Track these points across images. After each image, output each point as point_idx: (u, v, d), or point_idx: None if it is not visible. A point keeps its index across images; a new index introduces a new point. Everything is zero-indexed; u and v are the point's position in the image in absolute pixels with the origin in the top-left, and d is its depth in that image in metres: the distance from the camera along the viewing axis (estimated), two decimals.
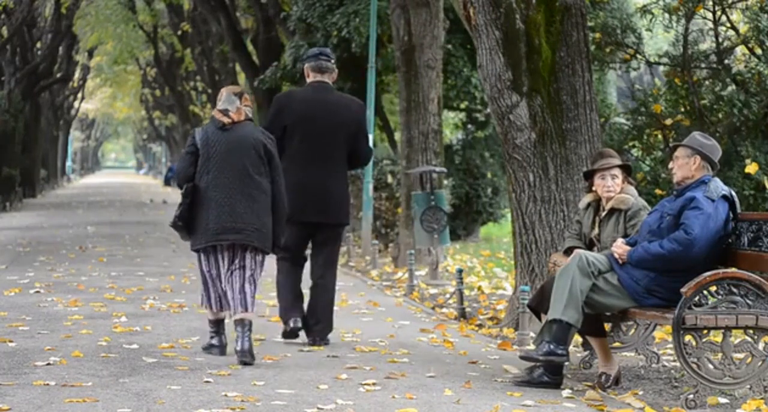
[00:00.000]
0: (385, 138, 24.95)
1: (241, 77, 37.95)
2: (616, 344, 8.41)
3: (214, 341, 8.56)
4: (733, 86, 11.59)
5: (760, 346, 7.08)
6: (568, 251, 8.11)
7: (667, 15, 11.71)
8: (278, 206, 8.52)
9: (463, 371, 7.99)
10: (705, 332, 7.04)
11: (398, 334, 9.84)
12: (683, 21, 11.65)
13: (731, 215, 7.46)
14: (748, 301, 7.02)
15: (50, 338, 9.08)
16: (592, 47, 11.64)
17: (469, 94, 22.56)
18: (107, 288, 13.06)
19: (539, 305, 7.83)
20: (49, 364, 7.84)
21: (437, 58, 16.39)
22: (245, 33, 32.00)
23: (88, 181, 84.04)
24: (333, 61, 9.32)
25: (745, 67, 11.77)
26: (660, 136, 11.77)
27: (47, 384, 7.10)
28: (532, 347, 8.42)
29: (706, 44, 12.16)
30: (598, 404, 6.97)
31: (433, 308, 12.06)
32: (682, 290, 7.01)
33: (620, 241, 7.69)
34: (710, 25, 11.82)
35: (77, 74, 57.11)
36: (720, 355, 7.01)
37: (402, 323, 10.64)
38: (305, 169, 9.09)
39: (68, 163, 79.25)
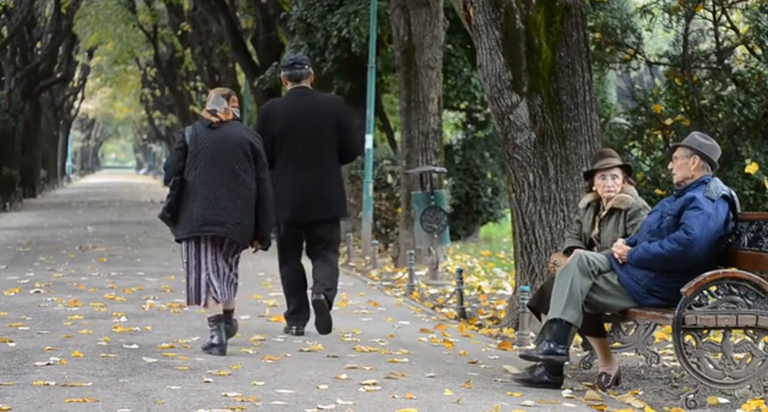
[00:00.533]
0: (385, 138, 24.95)
1: (241, 77, 37.96)
2: (616, 344, 8.41)
3: (215, 340, 8.65)
4: (733, 86, 11.59)
5: (760, 346, 7.08)
6: (568, 251, 8.11)
7: (667, 15, 11.70)
8: (264, 202, 8.88)
9: (463, 371, 7.99)
10: (705, 332, 7.04)
11: (398, 334, 9.84)
12: (683, 21, 11.65)
13: (731, 215, 7.46)
14: (748, 301, 7.02)
15: (50, 338, 9.08)
16: (592, 47, 11.64)
17: (469, 94, 22.56)
18: (107, 288, 13.06)
19: (539, 305, 7.84)
20: (49, 364, 7.84)
21: (437, 58, 16.39)
22: (245, 33, 31.99)
23: (88, 181, 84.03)
24: (307, 66, 9.78)
25: (745, 67, 11.77)
26: (660, 136, 11.77)
27: (47, 384, 7.10)
28: (532, 346, 8.43)
29: (706, 44, 12.16)
30: (598, 404, 6.97)
31: (433, 308, 12.06)
32: (682, 290, 7.01)
33: (620, 241, 7.70)
34: (710, 25, 11.82)
35: (77, 74, 57.07)
36: (720, 355, 7.01)
37: (402, 323, 10.64)
38: (297, 172, 9.56)
39: (68, 163, 79.22)
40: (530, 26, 9.83)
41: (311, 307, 9.63)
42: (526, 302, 8.98)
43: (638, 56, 12.25)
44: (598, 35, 12.07)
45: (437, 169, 15.56)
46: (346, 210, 9.89)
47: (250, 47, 30.88)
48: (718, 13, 11.65)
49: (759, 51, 11.53)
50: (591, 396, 7.14)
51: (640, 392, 7.53)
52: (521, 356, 7.67)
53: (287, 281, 9.80)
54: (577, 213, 8.51)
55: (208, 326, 8.73)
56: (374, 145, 20.53)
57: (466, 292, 12.66)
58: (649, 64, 12.42)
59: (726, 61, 11.80)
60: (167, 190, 8.92)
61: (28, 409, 6.39)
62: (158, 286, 13.41)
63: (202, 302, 8.73)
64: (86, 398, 6.68)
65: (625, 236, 7.91)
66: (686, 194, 7.46)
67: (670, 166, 7.68)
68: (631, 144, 12.01)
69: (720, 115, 11.41)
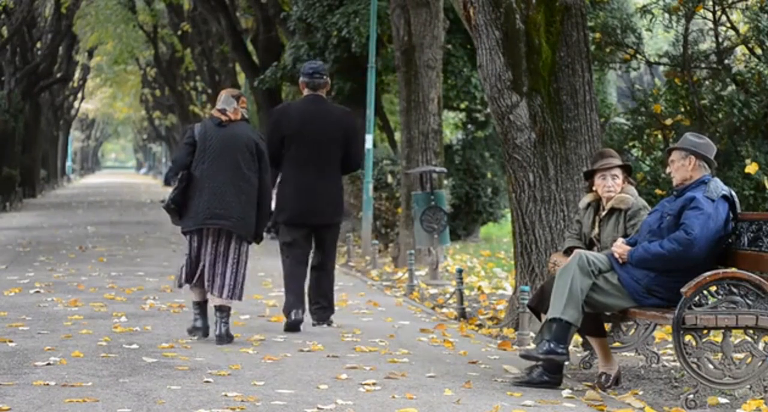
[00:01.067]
0: (385, 138, 24.95)
1: (241, 77, 37.95)
2: (616, 344, 8.41)
3: (198, 324, 9.29)
4: (733, 86, 11.59)
5: (760, 346, 7.08)
6: (568, 251, 8.11)
7: (667, 15, 11.71)
8: (263, 200, 9.32)
9: (463, 371, 7.99)
10: (705, 332, 7.04)
11: (398, 334, 9.84)
12: (683, 21, 11.65)
13: (731, 215, 7.46)
14: (748, 301, 7.02)
15: (50, 338, 9.08)
16: (592, 47, 11.64)
17: (469, 94, 22.56)
18: (107, 288, 13.06)
19: (539, 304, 7.84)
20: (49, 364, 7.84)
21: (437, 58, 16.39)
22: (245, 33, 31.99)
23: (88, 181, 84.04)
24: (326, 76, 10.26)
25: (745, 67, 11.77)
26: (660, 136, 11.77)
27: (47, 384, 7.10)
28: (532, 346, 8.43)
29: (706, 44, 12.16)
30: (598, 404, 6.97)
31: (433, 308, 12.06)
32: (682, 290, 7.01)
33: (620, 241, 7.70)
34: (710, 25, 11.82)
35: (77, 74, 57.08)
36: (720, 355, 7.01)
37: (402, 323, 10.64)
38: (302, 174, 10.00)
39: (68, 163, 79.22)
40: (530, 26, 9.83)
41: (308, 308, 10.11)
42: (526, 302, 8.98)
43: (638, 56, 12.25)
44: (598, 35, 12.07)
45: (437, 169, 15.56)
46: (342, 216, 10.33)
47: (250, 47, 30.88)
48: (718, 13, 11.66)
49: (759, 51, 11.53)
50: (591, 396, 7.14)
51: (640, 392, 7.53)
52: (521, 356, 7.67)
53: (285, 269, 10.10)
54: (577, 213, 8.51)
55: (192, 310, 9.34)
56: (374, 145, 20.53)
57: (466, 292, 12.66)
58: (649, 64, 12.42)
59: (726, 61, 11.80)
60: (167, 190, 9.08)
61: (28, 409, 6.39)
62: (158, 286, 13.41)
63: (192, 283, 9.22)
64: (86, 398, 6.68)
65: (625, 235, 7.91)
66: (686, 194, 7.46)
67: (668, 170, 7.69)
68: (631, 144, 12.01)
69: (720, 115, 11.41)
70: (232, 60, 35.58)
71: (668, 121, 11.56)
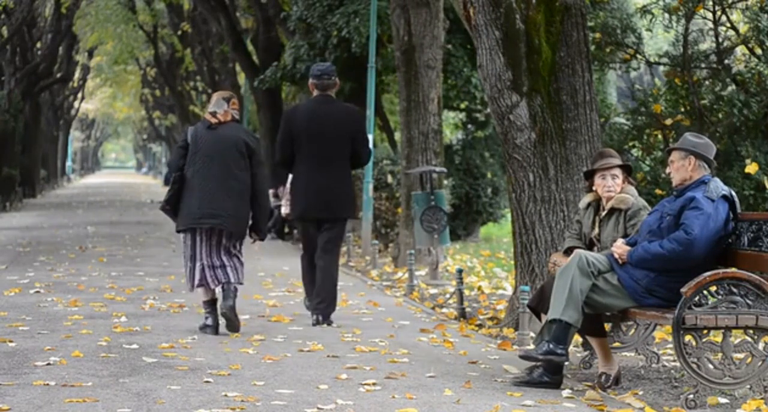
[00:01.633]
0: (385, 138, 24.94)
1: (241, 77, 37.94)
2: (616, 344, 8.41)
3: (209, 322, 9.62)
4: (733, 86, 11.59)
5: (760, 346, 7.08)
6: (568, 251, 8.11)
7: (667, 15, 11.70)
8: (259, 196, 9.76)
9: (463, 371, 7.99)
10: (705, 332, 7.04)
11: (398, 334, 9.84)
12: (683, 21, 11.65)
13: (731, 215, 7.46)
14: (748, 301, 7.02)
15: (50, 338, 9.08)
16: (592, 47, 11.64)
17: (469, 94, 22.56)
18: (107, 288, 13.06)
19: (539, 305, 7.84)
20: (49, 364, 7.84)
21: (437, 58, 16.39)
22: (245, 33, 31.98)
23: (88, 181, 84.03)
24: (335, 77, 10.61)
25: (745, 67, 11.77)
26: (660, 136, 11.77)
27: (47, 384, 7.10)
28: (532, 346, 8.42)
29: (706, 44, 12.16)
30: (598, 404, 6.97)
31: (433, 308, 12.06)
32: (682, 290, 7.01)
33: (620, 241, 7.69)
34: (710, 25, 11.82)
35: (77, 74, 57.06)
36: (720, 355, 7.00)
37: (402, 323, 10.64)
38: (313, 171, 10.36)
39: (68, 163, 79.21)
40: (530, 26, 9.83)
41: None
42: (526, 302, 8.98)
43: (638, 56, 12.25)
44: (598, 35, 12.07)
45: (437, 169, 15.55)
46: (353, 212, 10.65)
47: (250, 47, 30.87)
48: (718, 13, 11.66)
49: (759, 51, 11.53)
50: (591, 396, 7.14)
51: (640, 392, 7.53)
52: (521, 357, 7.67)
53: (306, 271, 10.59)
54: (577, 213, 8.51)
55: (203, 309, 9.68)
56: (374, 145, 20.52)
57: (466, 292, 12.66)
58: (649, 64, 12.42)
59: (726, 61, 11.80)
60: (167, 190, 9.31)
61: (28, 409, 6.39)
62: (158, 286, 13.41)
63: (195, 286, 9.63)
64: (86, 398, 6.68)
65: (625, 236, 7.91)
66: (686, 194, 7.46)
67: (667, 170, 7.69)
68: (631, 144, 12.01)
69: (720, 115, 11.41)
70: (232, 60, 35.57)
71: (668, 121, 11.55)
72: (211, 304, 9.65)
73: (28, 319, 10.27)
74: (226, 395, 6.86)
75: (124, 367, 7.84)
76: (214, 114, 9.73)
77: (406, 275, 14.22)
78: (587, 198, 8.34)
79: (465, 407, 6.75)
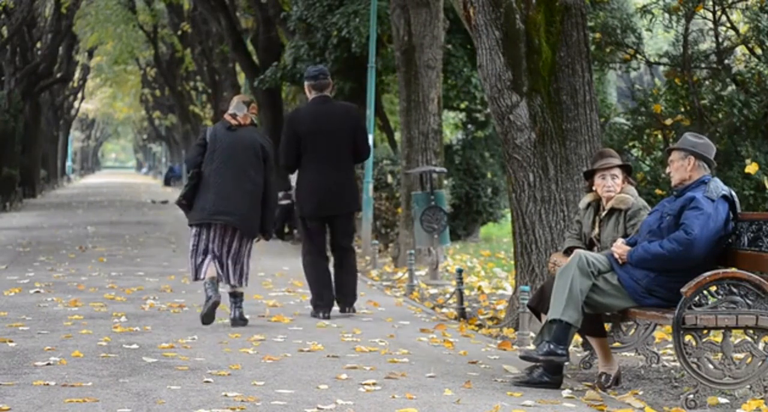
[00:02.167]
0: (385, 138, 24.93)
1: (241, 77, 37.94)
2: (616, 344, 8.41)
3: (209, 293, 9.85)
4: (733, 86, 11.59)
5: (760, 346, 7.08)
6: (568, 251, 8.11)
7: (667, 15, 11.71)
8: (269, 198, 10.18)
9: (463, 371, 7.99)
10: (705, 332, 7.04)
11: (398, 334, 9.84)
12: (683, 21, 11.65)
13: (731, 215, 7.46)
14: (748, 301, 7.02)
15: (50, 338, 9.08)
16: (592, 47, 11.64)
17: (469, 94, 22.54)
18: (107, 288, 13.06)
19: (539, 305, 7.84)
20: (49, 364, 7.84)
21: (437, 58, 16.39)
22: (245, 33, 31.97)
23: (88, 181, 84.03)
24: (329, 77, 11.06)
25: (745, 67, 11.77)
26: (660, 136, 11.77)
27: (47, 384, 7.10)
28: (532, 347, 8.43)
29: (706, 44, 12.16)
30: (598, 404, 6.97)
31: (433, 308, 12.06)
32: (682, 290, 7.01)
33: (620, 241, 7.69)
34: (710, 25, 11.82)
35: (77, 74, 57.07)
36: (720, 355, 7.01)
37: (402, 323, 10.64)
38: (318, 170, 10.78)
39: (68, 163, 79.22)
40: (530, 26, 9.83)
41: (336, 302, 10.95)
42: (526, 302, 8.98)
43: (638, 56, 12.25)
44: (598, 35, 12.07)
45: (437, 169, 15.55)
46: (360, 203, 11.24)
47: (250, 47, 30.86)
48: (718, 13, 11.66)
49: (759, 51, 11.53)
50: (591, 396, 7.14)
51: (640, 392, 7.53)
52: (521, 357, 7.67)
53: (310, 269, 10.89)
54: (577, 213, 8.51)
55: (204, 285, 9.92)
56: (374, 145, 20.52)
57: (466, 292, 12.66)
58: (649, 64, 12.42)
59: (726, 61, 11.80)
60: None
61: (28, 409, 6.39)
62: (158, 286, 13.41)
63: (202, 275, 9.97)
64: (86, 398, 6.68)
65: (625, 236, 7.91)
66: (686, 194, 7.46)
67: (667, 170, 7.69)
68: (631, 144, 12.01)
69: (720, 115, 11.41)
70: (232, 60, 35.58)
71: (668, 121, 11.55)
72: (213, 280, 9.92)
73: (28, 319, 10.27)
74: (226, 395, 6.86)
75: (124, 367, 7.84)
76: (234, 116, 10.16)
77: (406, 275, 14.22)
78: (587, 198, 8.34)
79: (465, 407, 6.75)
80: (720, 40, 11.72)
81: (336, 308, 10.97)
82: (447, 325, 10.56)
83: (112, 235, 23.06)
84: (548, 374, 7.50)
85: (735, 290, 7.04)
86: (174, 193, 47.61)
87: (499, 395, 7.18)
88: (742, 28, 11.81)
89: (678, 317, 6.97)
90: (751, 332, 7.06)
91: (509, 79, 9.82)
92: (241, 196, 9.99)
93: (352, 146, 10.92)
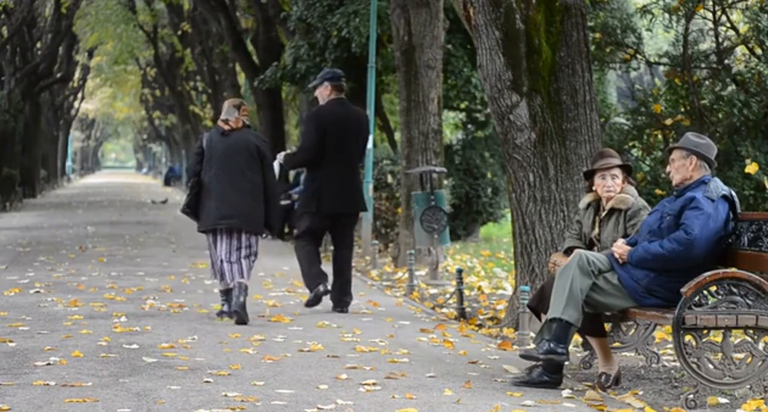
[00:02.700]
0: (385, 138, 24.93)
1: (241, 77, 37.92)
2: (616, 344, 8.41)
3: (225, 308, 10.55)
4: (733, 86, 11.59)
5: (760, 346, 7.08)
6: (568, 251, 8.11)
7: (667, 15, 11.71)
8: (270, 196, 10.55)
9: (463, 371, 7.99)
10: (705, 332, 7.04)
11: (398, 334, 9.84)
12: (683, 21, 11.65)
13: (731, 215, 7.46)
14: (748, 301, 7.02)
15: (50, 338, 9.08)
16: (592, 47, 11.64)
17: (469, 94, 22.54)
18: (107, 288, 13.06)
19: (539, 304, 7.84)
20: (49, 364, 7.84)
21: (437, 58, 16.39)
22: (245, 33, 31.97)
23: (88, 181, 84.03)
24: (344, 79, 11.56)
25: (745, 67, 11.77)
26: (660, 136, 11.77)
27: (47, 384, 7.10)
28: (532, 346, 8.42)
29: (706, 44, 12.16)
30: (598, 404, 6.97)
31: (433, 308, 12.06)
32: (682, 290, 7.01)
33: (620, 241, 7.69)
34: (710, 25, 11.82)
35: (77, 74, 57.06)
36: (720, 355, 7.01)
37: (402, 323, 10.64)
38: (339, 170, 11.20)
39: (68, 163, 79.21)
40: (530, 26, 9.83)
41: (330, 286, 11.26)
42: (526, 302, 8.98)
43: (638, 56, 12.25)
44: (598, 35, 12.07)
45: (437, 169, 15.55)
46: (366, 204, 11.62)
47: (250, 47, 30.86)
48: (718, 13, 11.66)
49: (759, 51, 11.53)
50: (591, 396, 7.14)
51: (640, 392, 7.53)
52: (521, 356, 7.67)
53: (305, 251, 11.22)
54: (577, 213, 8.51)
55: (220, 297, 10.70)
56: (374, 145, 20.52)
57: (466, 292, 12.66)
58: (649, 64, 12.42)
59: (726, 61, 11.80)
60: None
61: (28, 409, 6.39)
62: (158, 286, 13.41)
63: (218, 279, 10.57)
64: (86, 398, 6.68)
65: (625, 236, 7.91)
66: (686, 194, 7.46)
67: (668, 169, 7.68)
68: (631, 144, 12.02)
69: (720, 115, 11.41)
70: (232, 60, 35.56)
71: (668, 121, 11.56)
72: (226, 293, 10.53)
73: (28, 319, 10.27)
74: (226, 395, 6.86)
75: (124, 367, 7.84)
76: (226, 121, 10.54)
77: (406, 275, 14.22)
78: (587, 198, 8.34)
79: (465, 407, 6.75)
80: (720, 40, 11.72)
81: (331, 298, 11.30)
82: (447, 325, 10.56)
83: (112, 235, 23.06)
84: (548, 374, 7.50)
85: (735, 290, 7.04)
86: (174, 193, 47.65)
87: (499, 395, 7.18)
88: (742, 28, 11.81)
89: (678, 317, 6.97)
90: (751, 332, 7.06)
91: (509, 79, 9.82)
92: (241, 197, 10.37)
93: (359, 149, 11.43)
